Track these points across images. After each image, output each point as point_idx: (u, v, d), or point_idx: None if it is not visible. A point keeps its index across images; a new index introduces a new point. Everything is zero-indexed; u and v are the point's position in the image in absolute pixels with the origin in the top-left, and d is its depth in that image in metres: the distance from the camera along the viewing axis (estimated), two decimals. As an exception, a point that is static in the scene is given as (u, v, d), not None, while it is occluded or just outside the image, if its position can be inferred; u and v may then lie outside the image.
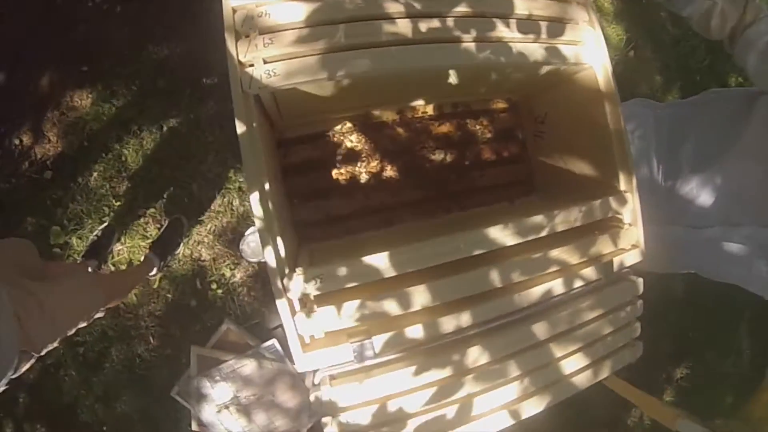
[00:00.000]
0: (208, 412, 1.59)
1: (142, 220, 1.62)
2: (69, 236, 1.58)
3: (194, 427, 1.61)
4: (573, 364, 0.77)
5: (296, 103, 0.85)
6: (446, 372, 0.69)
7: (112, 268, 1.60)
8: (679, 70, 2.24)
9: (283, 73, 0.66)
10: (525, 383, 0.73)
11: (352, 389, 0.66)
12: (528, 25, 0.76)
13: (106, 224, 1.57)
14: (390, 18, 0.69)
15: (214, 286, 1.64)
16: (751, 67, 0.85)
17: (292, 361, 0.76)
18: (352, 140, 0.98)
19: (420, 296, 0.66)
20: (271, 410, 1.61)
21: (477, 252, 0.68)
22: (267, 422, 1.61)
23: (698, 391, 2.23)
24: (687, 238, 0.97)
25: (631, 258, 0.80)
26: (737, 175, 0.88)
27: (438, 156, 1.03)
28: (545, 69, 0.84)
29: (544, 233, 0.72)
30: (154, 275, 1.58)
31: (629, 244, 0.81)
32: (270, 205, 0.65)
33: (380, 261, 0.64)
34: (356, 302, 0.64)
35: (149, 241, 1.60)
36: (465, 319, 0.68)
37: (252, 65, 0.67)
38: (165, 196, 1.63)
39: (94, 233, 1.56)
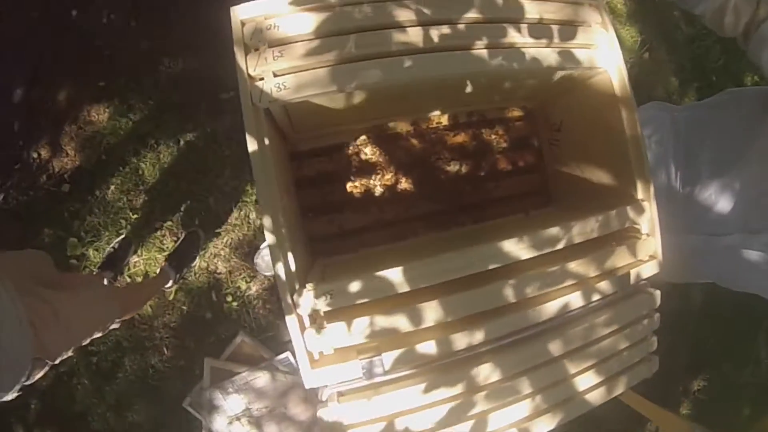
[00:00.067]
0: (219, 424, 1.58)
1: (158, 232, 1.63)
2: (86, 248, 1.59)
3: (205, 437, 1.60)
4: (587, 381, 0.74)
5: (309, 116, 0.84)
6: (456, 389, 0.67)
7: (128, 280, 1.61)
8: (694, 70, 2.20)
9: (293, 86, 0.65)
10: (537, 401, 0.70)
11: (360, 406, 0.64)
12: (540, 30, 0.74)
13: (123, 236, 1.59)
14: (400, 26, 0.68)
15: (229, 298, 1.64)
16: (766, 63, 0.82)
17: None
18: (366, 152, 0.97)
19: (432, 312, 0.64)
20: (283, 423, 1.60)
21: (491, 266, 0.66)
22: (278, 434, 1.60)
23: (715, 404, 2.17)
24: (705, 247, 0.94)
25: (649, 269, 0.77)
26: (756, 180, 0.85)
27: (453, 167, 1.01)
28: (559, 74, 0.82)
29: (560, 246, 0.70)
30: (170, 287, 1.58)
31: (647, 255, 0.78)
32: (281, 220, 0.64)
33: (392, 277, 0.63)
34: (367, 318, 0.63)
35: (166, 253, 1.61)
36: (478, 335, 0.66)
37: (262, 79, 0.66)
38: (182, 209, 1.64)
39: (111, 245, 1.57)
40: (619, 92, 0.78)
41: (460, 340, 0.66)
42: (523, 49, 0.72)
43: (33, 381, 0.97)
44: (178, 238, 1.61)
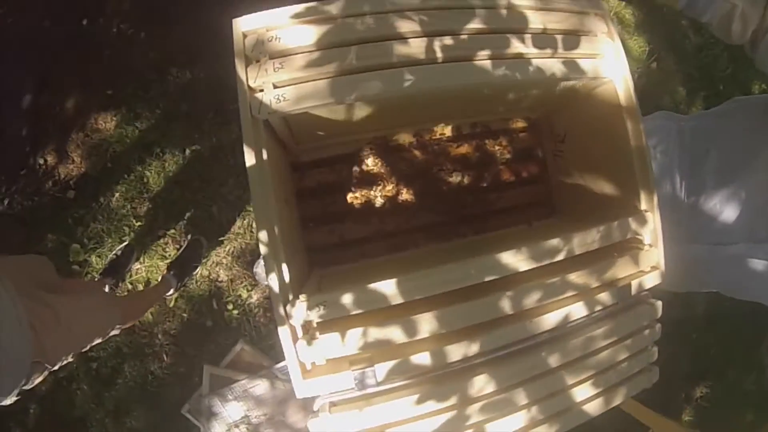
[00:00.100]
0: (218, 431, 1.58)
1: (161, 240, 1.63)
2: (88, 254, 1.60)
3: (203, 445, 1.59)
4: (584, 392, 0.73)
5: (310, 127, 0.84)
6: (450, 401, 0.66)
7: (130, 287, 1.62)
8: (702, 79, 2.19)
9: (293, 97, 0.65)
10: (533, 412, 0.70)
11: (352, 417, 0.64)
12: (544, 40, 0.73)
13: (125, 243, 1.59)
14: (402, 38, 0.68)
15: (230, 306, 1.63)
16: None
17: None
18: (368, 164, 0.97)
19: (426, 324, 0.64)
20: (282, 430, 1.60)
21: (488, 278, 0.66)
22: (276, 442, 1.60)
23: (718, 411, 2.14)
24: (710, 256, 0.94)
25: (651, 280, 0.77)
26: (761, 189, 0.85)
27: (455, 178, 1.01)
28: (564, 84, 0.82)
29: (559, 257, 0.70)
30: (171, 295, 1.58)
31: (649, 265, 0.77)
32: (276, 231, 0.64)
33: (386, 288, 0.62)
34: (360, 329, 0.62)
35: (168, 261, 1.61)
36: (473, 347, 0.66)
37: (262, 90, 0.66)
38: (185, 217, 1.65)
39: (114, 252, 1.58)
40: (624, 102, 0.78)
41: (455, 352, 0.65)
42: (526, 60, 0.72)
43: (32, 386, 0.96)
44: (181, 246, 1.61)
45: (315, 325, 0.65)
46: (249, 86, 0.66)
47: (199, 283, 1.63)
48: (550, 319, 0.69)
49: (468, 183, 1.02)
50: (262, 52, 0.67)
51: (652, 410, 1.24)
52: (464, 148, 1.02)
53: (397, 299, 0.62)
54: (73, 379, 1.61)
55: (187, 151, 1.66)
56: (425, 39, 0.69)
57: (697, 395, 2.16)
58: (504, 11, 0.72)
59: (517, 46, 0.72)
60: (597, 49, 0.77)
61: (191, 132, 1.67)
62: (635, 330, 0.77)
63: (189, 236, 1.63)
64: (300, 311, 0.61)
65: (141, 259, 1.62)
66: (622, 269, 0.74)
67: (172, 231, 1.63)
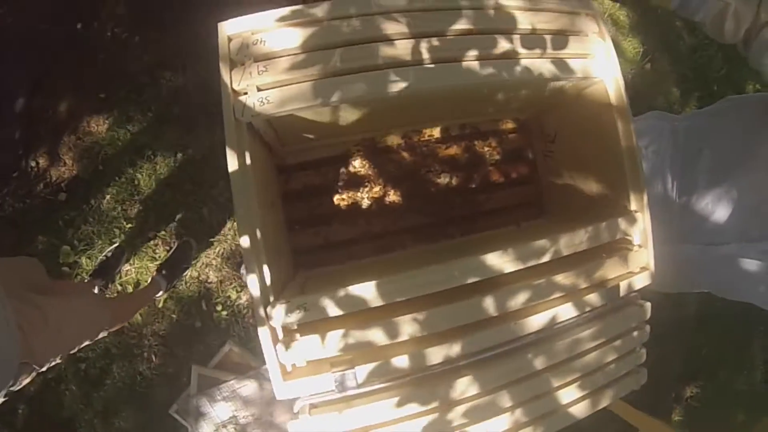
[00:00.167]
0: (206, 431, 1.57)
1: (151, 242, 1.63)
2: (78, 256, 1.59)
3: (191, 445, 1.59)
4: (571, 394, 0.73)
5: (296, 130, 0.84)
6: (432, 404, 0.66)
7: (119, 288, 1.61)
8: (696, 80, 2.20)
9: (276, 100, 0.65)
10: (517, 414, 0.70)
11: (331, 419, 0.64)
12: (532, 40, 0.74)
13: (116, 245, 1.59)
14: (388, 40, 0.68)
15: (219, 307, 1.63)
16: (767, 69, 0.82)
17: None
18: (356, 165, 0.97)
19: (408, 326, 0.64)
20: (269, 431, 1.59)
21: (472, 280, 0.65)
22: (264, 442, 1.59)
23: (709, 410, 2.15)
24: (701, 257, 0.94)
25: (640, 281, 0.77)
26: (755, 188, 0.85)
27: (444, 179, 1.01)
28: (554, 85, 0.82)
29: (546, 258, 0.70)
30: (160, 296, 1.58)
31: (638, 266, 0.77)
32: (258, 234, 0.64)
33: (367, 291, 0.62)
34: (341, 331, 0.62)
35: (158, 262, 1.61)
36: (456, 349, 0.66)
37: (246, 93, 0.66)
38: (176, 219, 1.64)
39: (104, 254, 1.57)
40: (615, 102, 0.78)
41: (437, 354, 0.65)
42: (514, 60, 0.72)
43: (20, 387, 0.96)
44: (171, 248, 1.61)
45: (295, 327, 0.65)
46: (233, 89, 0.66)
47: (188, 284, 1.63)
48: (536, 321, 0.69)
49: (456, 184, 1.02)
50: (246, 55, 0.68)
51: (641, 411, 1.24)
52: (453, 150, 1.03)
53: (377, 302, 0.62)
54: (61, 379, 1.60)
55: (179, 154, 1.66)
56: (411, 40, 0.69)
57: (687, 395, 2.16)
58: (492, 12, 0.73)
59: (505, 47, 0.72)
60: (587, 49, 0.77)
61: (182, 135, 1.66)
62: (623, 331, 0.77)
63: (180, 238, 1.63)
64: (280, 313, 0.61)
65: (131, 261, 1.62)
66: (610, 270, 0.74)
67: (162, 233, 1.63)
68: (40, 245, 1.60)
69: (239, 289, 1.64)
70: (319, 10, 0.68)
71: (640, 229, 0.77)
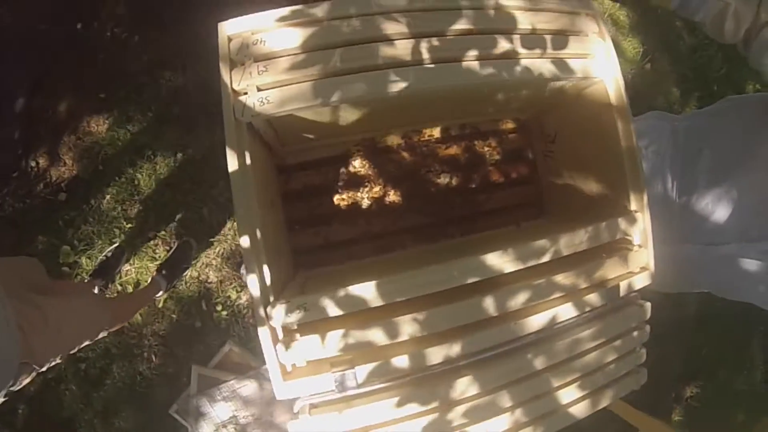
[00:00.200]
0: (206, 431, 1.57)
1: (151, 242, 1.63)
2: (78, 256, 1.59)
3: (192, 445, 1.59)
4: (571, 394, 0.73)
5: (296, 130, 0.84)
6: (432, 404, 0.66)
7: (119, 288, 1.61)
8: (696, 80, 2.20)
9: (276, 100, 0.65)
10: (517, 414, 0.70)
11: (331, 419, 0.64)
12: (533, 40, 0.73)
13: (116, 245, 1.59)
14: (389, 40, 0.68)
15: (219, 307, 1.63)
16: (767, 69, 0.82)
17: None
18: (356, 165, 0.97)
19: (408, 326, 0.63)
20: (269, 431, 1.59)
21: (471, 280, 0.65)
22: (264, 442, 1.59)
23: (709, 410, 2.14)
24: (701, 257, 0.94)
25: (640, 281, 0.77)
26: (756, 188, 0.85)
27: (444, 179, 1.01)
28: (554, 85, 0.82)
29: (546, 258, 0.69)
30: (160, 296, 1.58)
31: (638, 266, 0.77)
32: (258, 234, 0.64)
33: (366, 291, 0.62)
34: (341, 331, 0.62)
35: (158, 262, 1.61)
36: (456, 349, 0.66)
37: (246, 93, 0.66)
38: (176, 219, 1.64)
39: (104, 254, 1.57)
40: (615, 102, 0.78)
41: (437, 354, 0.65)
42: (514, 60, 0.72)
43: (20, 387, 0.96)
44: (171, 248, 1.61)
45: (295, 327, 0.65)
46: (233, 89, 0.66)
47: (188, 284, 1.63)
48: (536, 321, 0.69)
49: (456, 184, 1.02)
50: (246, 55, 0.67)
51: (641, 411, 1.24)
52: (453, 150, 1.03)
53: (377, 302, 0.62)
54: (61, 379, 1.61)
55: (178, 154, 1.66)
56: (411, 40, 0.69)
57: (687, 395, 2.16)
58: (492, 12, 0.73)
59: (505, 47, 0.72)
60: (587, 49, 0.77)
61: (182, 135, 1.66)
62: (623, 331, 0.77)
63: (180, 238, 1.63)
64: (280, 313, 0.61)
65: (131, 261, 1.62)
66: (610, 270, 0.74)
67: (162, 233, 1.63)
68: (40, 245, 1.60)
69: (239, 289, 1.64)
70: (319, 10, 0.68)
71: (640, 229, 0.77)
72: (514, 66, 0.72)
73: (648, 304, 0.79)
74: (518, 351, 0.71)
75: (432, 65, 0.69)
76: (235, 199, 0.65)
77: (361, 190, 0.96)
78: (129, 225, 1.62)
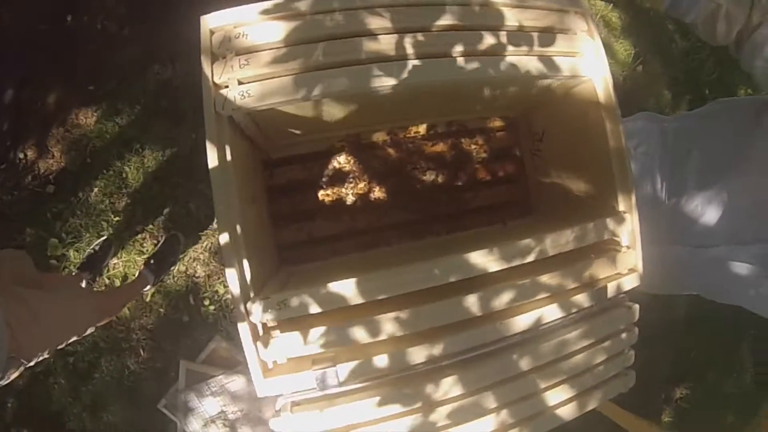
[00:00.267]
0: (194, 426, 1.57)
1: (139, 235, 1.62)
2: (66, 249, 1.59)
3: (180, 440, 1.59)
4: (557, 396, 0.72)
5: (280, 125, 0.84)
6: (415, 404, 0.65)
7: (107, 282, 1.60)
8: (687, 83, 2.21)
9: (257, 94, 0.65)
10: (502, 416, 0.69)
11: (313, 417, 0.63)
12: (520, 37, 0.73)
13: (104, 238, 1.58)
14: (372, 34, 0.68)
15: (207, 302, 1.63)
16: (758, 72, 0.82)
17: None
18: (340, 161, 0.96)
19: (391, 325, 0.63)
20: (258, 426, 1.59)
21: (453, 279, 0.65)
22: (253, 438, 1.59)
23: (698, 412, 2.16)
24: (690, 259, 0.93)
25: (628, 283, 0.76)
26: (748, 191, 0.84)
27: (429, 176, 1.01)
28: (542, 83, 0.81)
29: (530, 258, 0.69)
30: (148, 290, 1.57)
31: (626, 268, 0.77)
32: (238, 229, 0.63)
33: (346, 288, 0.62)
34: (322, 329, 0.62)
35: (145, 256, 1.60)
36: (438, 348, 0.65)
37: (227, 87, 0.66)
38: (163, 212, 1.63)
39: (92, 247, 1.56)
40: (603, 102, 0.78)
41: (419, 353, 0.64)
42: (500, 57, 0.71)
43: (8, 381, 0.96)
44: (158, 242, 1.60)
45: (275, 323, 0.64)
46: (214, 83, 0.66)
47: (176, 278, 1.62)
48: (521, 322, 0.68)
49: (443, 181, 1.01)
50: (228, 48, 0.67)
51: (630, 412, 1.24)
52: (439, 147, 1.02)
53: (357, 299, 0.62)
54: (50, 373, 1.60)
55: (166, 148, 1.65)
56: (396, 35, 0.68)
57: (677, 396, 2.17)
58: (477, 8, 0.72)
59: (490, 43, 0.71)
60: (576, 48, 0.77)
61: (171, 128, 1.65)
62: (611, 333, 0.77)
63: (167, 232, 1.62)
64: (260, 309, 0.61)
65: (118, 254, 1.61)
66: (598, 271, 0.73)
67: (150, 226, 1.62)
68: (28, 237, 1.59)
69: (227, 284, 1.63)
70: (302, 4, 0.68)
71: (629, 230, 0.76)
72: (500, 62, 0.71)
73: (636, 306, 0.78)
74: (504, 351, 0.70)
75: (416, 60, 0.68)
76: (214, 193, 0.65)
77: (345, 186, 0.95)
78: (117, 218, 1.61)
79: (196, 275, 1.64)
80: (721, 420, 2.26)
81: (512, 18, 0.73)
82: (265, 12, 0.68)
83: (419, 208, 0.99)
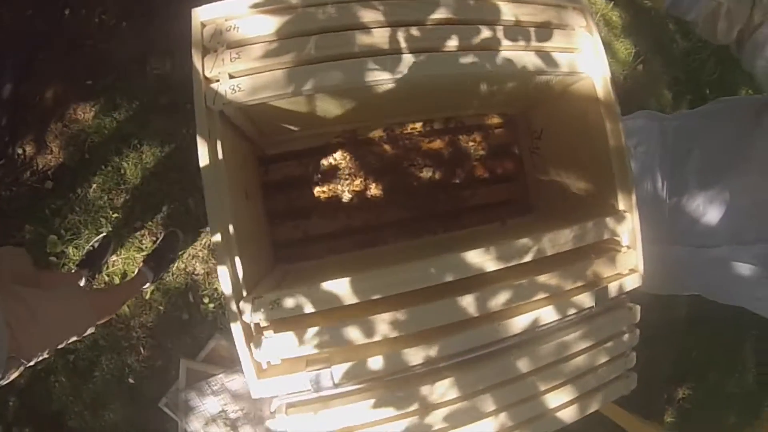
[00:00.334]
0: (195, 425, 1.57)
1: (138, 232, 1.62)
2: (65, 246, 1.58)
3: (181, 439, 1.59)
4: (558, 398, 0.71)
5: (274, 120, 0.82)
6: (411, 406, 0.64)
7: (106, 279, 1.60)
8: (688, 83, 2.19)
9: (248, 88, 0.64)
10: (502, 418, 0.68)
11: (307, 420, 0.62)
12: (516, 31, 0.71)
13: (103, 235, 1.57)
14: (366, 28, 0.66)
15: (206, 300, 1.62)
16: (759, 71, 0.80)
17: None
18: (336, 157, 0.95)
19: (387, 325, 0.61)
20: (259, 425, 1.58)
21: (449, 278, 0.63)
22: (254, 437, 1.59)
23: (700, 412, 2.15)
24: (691, 259, 0.92)
25: (629, 283, 0.75)
26: (749, 190, 0.83)
27: (426, 174, 1.00)
28: (540, 79, 0.79)
29: (528, 258, 0.67)
30: (147, 288, 1.57)
31: (627, 268, 0.75)
32: (230, 227, 0.62)
33: (340, 288, 0.60)
34: (317, 329, 0.60)
35: (144, 253, 1.60)
36: (435, 350, 0.63)
37: (218, 80, 0.65)
38: (162, 209, 1.63)
39: (91, 243, 1.56)
40: (603, 99, 0.76)
41: (416, 355, 0.63)
42: (496, 52, 0.70)
43: (8, 381, 0.96)
44: (157, 238, 1.60)
45: (269, 323, 0.63)
46: (205, 76, 0.65)
47: (175, 276, 1.62)
48: (520, 322, 0.67)
49: (440, 179, 1.00)
50: (219, 41, 0.66)
51: (632, 413, 1.23)
52: (437, 144, 1.01)
53: (352, 299, 0.60)
54: (51, 371, 1.60)
55: (165, 144, 1.64)
56: (390, 29, 0.67)
57: (679, 397, 2.16)
58: (473, 2, 0.70)
59: (486, 38, 0.69)
60: (574, 43, 0.75)
61: (169, 124, 1.64)
62: (613, 335, 0.75)
63: (166, 229, 1.62)
64: (252, 309, 0.60)
65: (117, 251, 1.61)
66: (598, 271, 0.72)
67: (149, 223, 1.62)
68: (27, 234, 1.59)
69: (224, 282, 1.63)
70: (295, -4, 0.66)
71: (629, 229, 0.75)
72: (496, 57, 0.69)
73: (637, 307, 0.77)
74: (502, 353, 0.69)
75: (411, 54, 0.67)
76: (205, 189, 0.63)
77: (342, 183, 0.94)
78: (115, 215, 1.61)
79: (196, 273, 1.63)
80: (723, 420, 2.26)
81: (509, 12, 0.71)
82: (257, 5, 0.66)
83: (416, 205, 0.98)
